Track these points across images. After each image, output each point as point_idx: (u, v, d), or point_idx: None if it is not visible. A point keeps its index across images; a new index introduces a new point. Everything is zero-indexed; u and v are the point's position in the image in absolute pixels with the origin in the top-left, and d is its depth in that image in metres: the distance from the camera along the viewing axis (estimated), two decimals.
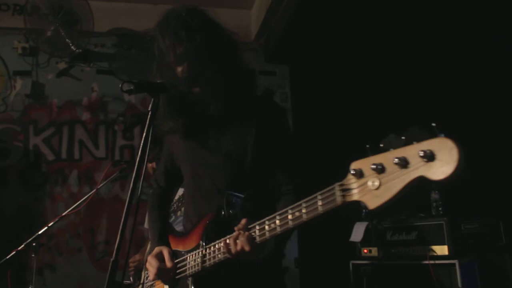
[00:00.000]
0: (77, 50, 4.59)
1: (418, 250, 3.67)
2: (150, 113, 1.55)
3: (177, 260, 1.83)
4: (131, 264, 3.41)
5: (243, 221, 1.57)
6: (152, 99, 1.57)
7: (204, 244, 1.70)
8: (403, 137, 1.06)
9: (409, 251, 3.72)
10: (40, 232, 2.95)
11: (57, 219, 2.99)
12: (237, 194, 1.76)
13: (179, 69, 1.79)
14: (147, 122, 1.53)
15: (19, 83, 4.74)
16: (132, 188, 1.45)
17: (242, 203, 1.75)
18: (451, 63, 4.33)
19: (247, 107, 1.84)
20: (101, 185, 2.99)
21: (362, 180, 1.13)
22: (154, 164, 3.34)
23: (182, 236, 1.91)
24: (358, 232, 3.92)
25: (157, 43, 1.81)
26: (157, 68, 1.85)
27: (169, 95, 1.78)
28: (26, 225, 4.20)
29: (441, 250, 3.59)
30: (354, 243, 4.05)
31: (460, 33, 4.17)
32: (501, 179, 4.00)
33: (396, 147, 1.07)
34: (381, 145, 1.11)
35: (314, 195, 1.29)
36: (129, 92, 1.55)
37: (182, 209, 3.02)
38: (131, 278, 3.24)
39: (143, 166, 1.50)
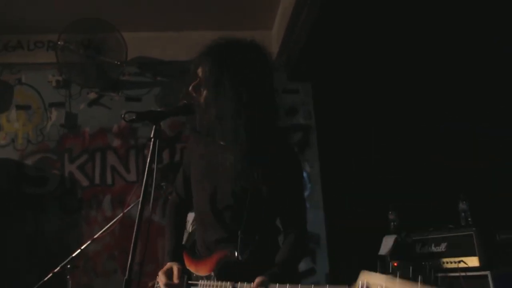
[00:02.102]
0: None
1: (449, 262, 3.61)
2: (152, 140, 1.61)
3: (191, 282, 1.91)
4: (150, 286, 3.51)
5: (259, 279, 1.61)
6: (154, 127, 1.63)
7: (215, 278, 1.79)
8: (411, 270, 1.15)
9: (439, 263, 3.66)
10: (74, 255, 3.09)
11: (89, 242, 3.12)
12: (250, 238, 1.83)
13: (203, 93, 1.83)
14: (150, 149, 1.60)
15: (54, 114, 5.00)
16: (139, 210, 1.52)
17: (253, 248, 1.82)
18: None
19: (266, 148, 1.84)
20: (129, 208, 3.11)
21: None
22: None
23: (196, 259, 1.99)
24: (387, 245, 3.89)
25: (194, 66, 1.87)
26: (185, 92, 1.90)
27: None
28: (64, 249, 4.37)
29: (472, 261, 3.51)
30: (384, 256, 4.01)
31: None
32: None
33: (402, 276, 1.15)
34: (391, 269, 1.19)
35: (324, 286, 1.38)
36: (132, 121, 1.63)
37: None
38: None
39: (150, 189, 1.56)
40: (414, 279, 3.57)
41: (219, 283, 1.75)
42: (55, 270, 3.02)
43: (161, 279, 1.90)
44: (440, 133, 4.48)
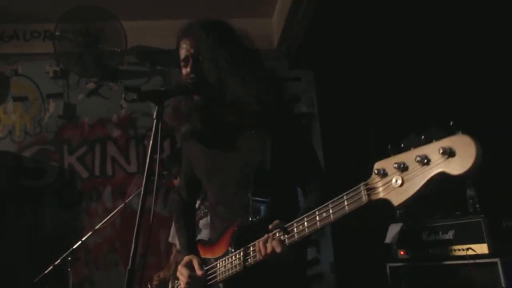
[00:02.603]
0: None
1: (457, 249, 3.56)
2: (155, 121, 1.54)
3: (207, 268, 1.85)
4: (155, 279, 3.47)
5: (276, 221, 1.59)
6: (156, 107, 1.56)
7: (233, 250, 1.73)
8: (422, 136, 1.12)
9: (447, 251, 3.60)
10: (74, 247, 3.03)
11: (90, 233, 3.06)
12: (262, 199, 1.77)
13: (187, 70, 1.82)
14: (153, 131, 1.53)
15: (52, 105, 4.92)
16: (141, 200, 1.46)
17: (267, 208, 1.76)
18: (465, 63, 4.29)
19: (263, 114, 1.82)
20: (129, 198, 3.04)
21: (386, 179, 1.19)
22: (178, 179, 3.38)
23: (211, 244, 1.94)
24: (393, 233, 3.83)
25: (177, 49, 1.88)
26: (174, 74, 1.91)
27: (187, 99, 1.82)
28: (64, 242, 4.30)
29: (481, 248, 3.46)
30: (390, 245, 3.96)
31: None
32: None
33: (416, 146, 1.13)
34: (402, 144, 1.17)
35: (340, 195, 1.35)
36: (133, 101, 1.57)
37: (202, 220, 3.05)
38: (148, 286, 3.29)
39: (154, 173, 1.50)
40: None
41: (237, 252, 1.70)
42: (56, 263, 2.97)
43: (182, 272, 1.87)
44: (443, 123, 4.44)
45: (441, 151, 1.05)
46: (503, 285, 3.29)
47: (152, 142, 1.52)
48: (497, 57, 4.19)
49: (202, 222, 3.05)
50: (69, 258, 3.02)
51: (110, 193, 4.77)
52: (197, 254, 1.94)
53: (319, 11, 4.18)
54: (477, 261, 3.40)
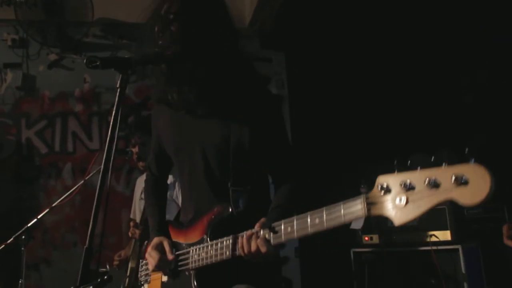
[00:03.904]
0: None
1: (420, 236, 3.61)
2: (118, 90, 1.43)
3: (178, 252, 1.77)
4: (116, 259, 3.37)
5: (262, 219, 1.52)
6: (120, 75, 1.45)
7: (208, 239, 1.65)
8: (432, 158, 1.09)
9: (411, 237, 3.65)
10: (29, 225, 2.87)
11: (46, 211, 2.91)
12: (241, 189, 1.70)
13: (172, 28, 1.67)
14: (116, 100, 1.42)
15: (9, 76, 4.65)
16: (101, 177, 1.36)
17: (246, 199, 1.69)
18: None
19: (242, 94, 1.73)
20: (89, 176, 2.90)
21: (389, 196, 1.15)
22: (137, 148, 3.26)
23: (183, 228, 1.85)
24: (359, 219, 3.83)
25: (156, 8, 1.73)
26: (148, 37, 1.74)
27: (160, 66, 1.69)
28: (19, 219, 4.12)
29: (444, 235, 3.54)
30: (355, 230, 3.98)
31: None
32: (504, 163, 3.95)
33: (424, 166, 1.10)
34: (409, 162, 1.14)
35: (337, 203, 1.28)
36: (95, 67, 1.45)
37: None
38: (107, 266, 3.20)
39: (113, 146, 1.40)
40: None
41: (216, 241, 1.61)
42: (8, 242, 2.80)
43: (152, 255, 1.78)
44: (416, 109, 4.48)
45: (453, 177, 1.03)
46: (463, 271, 3.38)
47: (114, 113, 1.40)
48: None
49: None
50: (23, 237, 2.85)
51: (71, 170, 4.59)
52: (168, 236, 1.84)
53: None
54: (439, 247, 3.48)
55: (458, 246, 3.43)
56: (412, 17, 4.29)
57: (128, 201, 4.04)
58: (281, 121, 1.84)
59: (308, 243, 4.69)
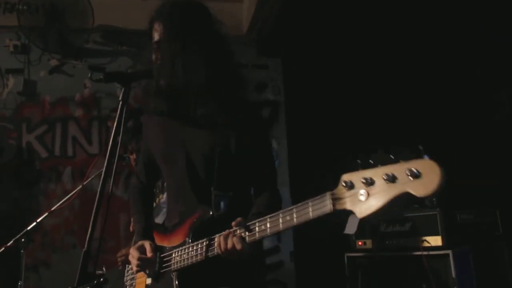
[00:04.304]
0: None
1: (412, 241, 3.66)
2: (120, 103, 1.52)
3: (162, 255, 1.85)
4: (118, 259, 3.42)
5: (239, 219, 1.60)
6: (123, 89, 1.54)
7: (190, 241, 1.73)
8: (391, 156, 1.20)
9: (403, 243, 3.71)
10: (29, 228, 2.95)
11: (45, 214, 2.99)
12: (223, 194, 1.78)
13: (156, 55, 1.80)
14: (118, 112, 1.51)
15: (11, 81, 4.73)
16: (102, 182, 1.44)
17: (228, 203, 1.78)
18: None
19: (231, 108, 1.81)
20: (88, 180, 2.98)
21: (353, 191, 1.25)
22: (134, 155, 3.33)
23: (167, 232, 1.93)
24: (352, 224, 3.90)
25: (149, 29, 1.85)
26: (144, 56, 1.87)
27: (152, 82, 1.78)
28: (20, 223, 4.19)
29: (435, 240, 3.58)
30: (348, 235, 4.03)
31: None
32: (497, 168, 4.00)
33: (384, 163, 1.20)
34: (370, 161, 1.24)
35: (306, 201, 1.38)
36: (99, 81, 1.54)
37: (157, 199, 3.03)
38: (103, 269, 3.25)
39: (115, 155, 1.49)
40: None
41: (196, 242, 1.70)
42: (8, 244, 2.87)
43: (133, 254, 1.86)
44: (410, 113, 4.52)
45: (408, 172, 1.13)
46: (453, 275, 3.43)
47: (116, 124, 1.50)
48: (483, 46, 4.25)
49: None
50: (23, 240, 2.93)
51: (70, 174, 4.66)
52: (152, 240, 1.92)
53: None
54: (430, 252, 3.53)
55: (449, 251, 3.46)
56: (407, 24, 4.33)
57: (125, 206, 4.11)
58: (265, 134, 1.97)
59: (303, 248, 4.76)
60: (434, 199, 3.74)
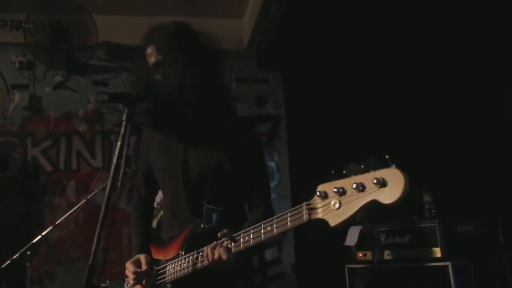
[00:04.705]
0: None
1: (412, 252, 3.69)
2: (124, 123, 1.58)
3: (158, 268, 1.92)
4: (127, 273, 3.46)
5: (225, 230, 1.67)
6: (126, 110, 1.59)
7: (183, 253, 1.81)
8: (362, 166, 1.27)
9: (403, 254, 3.73)
10: (34, 241, 3.00)
11: (50, 228, 3.05)
12: (215, 208, 1.85)
13: (156, 76, 1.87)
14: (121, 132, 1.56)
15: (17, 96, 4.83)
16: (107, 196, 1.49)
17: (219, 217, 1.84)
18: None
19: (225, 125, 1.90)
20: (92, 194, 3.04)
21: (326, 201, 1.31)
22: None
23: (163, 245, 2.00)
24: (352, 236, 3.93)
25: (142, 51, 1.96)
26: (137, 77, 1.94)
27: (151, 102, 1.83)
28: (25, 236, 4.24)
29: (434, 252, 3.60)
30: (349, 247, 4.06)
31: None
32: (498, 179, 4.01)
33: (356, 173, 1.27)
34: (344, 171, 1.30)
35: (285, 212, 1.45)
36: (103, 102, 1.59)
37: (159, 215, 3.09)
38: (107, 281, 3.30)
39: (118, 174, 1.53)
40: None
41: (188, 254, 1.77)
42: (14, 257, 2.93)
43: (129, 268, 1.93)
44: (409, 127, 4.54)
45: (375, 181, 1.19)
46: (453, 287, 3.45)
47: (120, 144, 1.55)
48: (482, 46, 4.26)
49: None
50: (28, 253, 2.98)
51: (74, 187, 4.73)
52: (148, 253, 1.99)
53: (290, 11, 4.23)
54: (430, 264, 3.55)
55: (448, 263, 3.48)
56: (406, 34, 4.36)
57: (128, 218, 4.16)
58: (259, 150, 2.02)
59: (304, 259, 4.79)
60: (433, 211, 3.79)
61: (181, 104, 1.80)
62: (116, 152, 1.56)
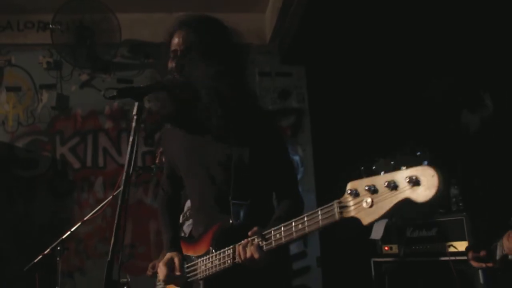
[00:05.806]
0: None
1: (439, 246, 3.64)
2: (135, 117, 1.56)
3: (188, 265, 1.92)
4: (150, 270, 3.52)
5: (255, 228, 1.65)
6: (136, 103, 1.58)
7: (213, 250, 1.80)
8: (392, 162, 1.19)
9: (430, 248, 3.68)
10: (64, 237, 3.08)
11: (79, 223, 3.12)
12: (241, 202, 1.83)
13: (172, 65, 1.86)
14: (133, 126, 1.54)
15: (45, 96, 4.97)
16: (122, 190, 1.48)
17: (247, 211, 1.83)
18: None
19: (247, 118, 1.87)
20: (119, 189, 3.08)
21: (358, 199, 1.29)
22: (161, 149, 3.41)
23: (193, 242, 2.00)
24: (378, 229, 3.90)
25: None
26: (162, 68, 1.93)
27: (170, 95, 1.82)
28: (55, 232, 4.36)
29: (462, 246, 3.54)
30: (375, 240, 4.04)
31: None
32: None
33: (386, 171, 1.25)
34: (374, 167, 1.25)
35: (316, 210, 1.42)
36: (112, 98, 1.58)
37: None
38: (127, 277, 3.35)
39: (130, 169, 1.51)
40: None
41: (219, 251, 1.77)
42: (45, 252, 3.02)
43: (161, 270, 1.92)
44: (432, 121, 4.46)
45: (407, 179, 1.17)
46: (481, 281, 3.39)
47: (132, 140, 1.53)
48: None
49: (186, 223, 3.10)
50: (58, 248, 3.07)
51: (102, 184, 4.83)
52: (179, 251, 1.98)
53: (312, 6, 4.19)
54: (457, 258, 3.49)
55: None
56: (431, 29, 4.30)
57: (155, 213, 4.24)
58: (281, 141, 2.00)
59: (330, 253, 4.78)
60: (460, 204, 3.72)
61: (204, 98, 1.78)
62: (129, 148, 1.53)
